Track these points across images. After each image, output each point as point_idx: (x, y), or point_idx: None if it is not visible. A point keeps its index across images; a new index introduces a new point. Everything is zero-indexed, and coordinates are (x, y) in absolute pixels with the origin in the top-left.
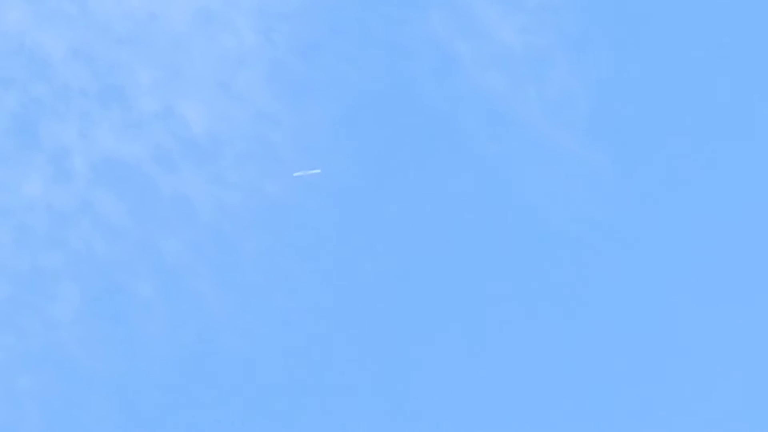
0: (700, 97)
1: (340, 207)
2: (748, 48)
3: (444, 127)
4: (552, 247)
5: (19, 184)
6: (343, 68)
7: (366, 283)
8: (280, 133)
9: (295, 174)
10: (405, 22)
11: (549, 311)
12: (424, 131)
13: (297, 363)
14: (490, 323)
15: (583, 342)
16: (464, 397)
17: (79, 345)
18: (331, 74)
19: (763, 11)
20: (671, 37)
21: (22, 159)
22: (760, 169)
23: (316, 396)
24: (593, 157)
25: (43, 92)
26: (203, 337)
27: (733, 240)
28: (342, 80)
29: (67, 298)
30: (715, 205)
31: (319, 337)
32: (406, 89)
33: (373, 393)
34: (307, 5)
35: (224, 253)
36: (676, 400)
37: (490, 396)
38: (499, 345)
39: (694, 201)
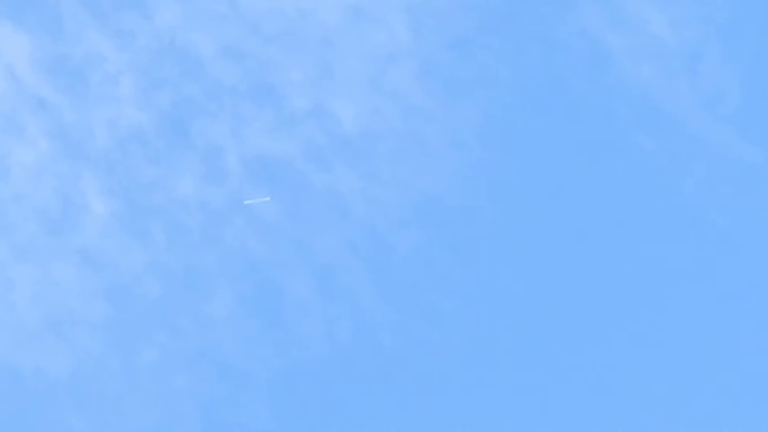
0: None
1: (494, 202)
2: None
3: (596, 121)
4: (707, 241)
5: (172, 184)
6: (494, 63)
7: (522, 280)
8: (432, 128)
9: (246, 202)
10: (556, 16)
11: (714, 307)
12: (576, 125)
13: (452, 361)
14: (658, 322)
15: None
16: (645, 395)
17: (234, 344)
18: (482, 69)
19: None
20: None
21: (174, 158)
22: None
23: (473, 394)
24: (746, 150)
25: (195, 91)
26: (358, 336)
27: None
28: (493, 75)
29: (222, 296)
30: None
31: (475, 335)
32: (558, 83)
33: (528, 391)
34: (457, 0)
35: (378, 250)
36: None
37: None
38: (679, 345)
39: None
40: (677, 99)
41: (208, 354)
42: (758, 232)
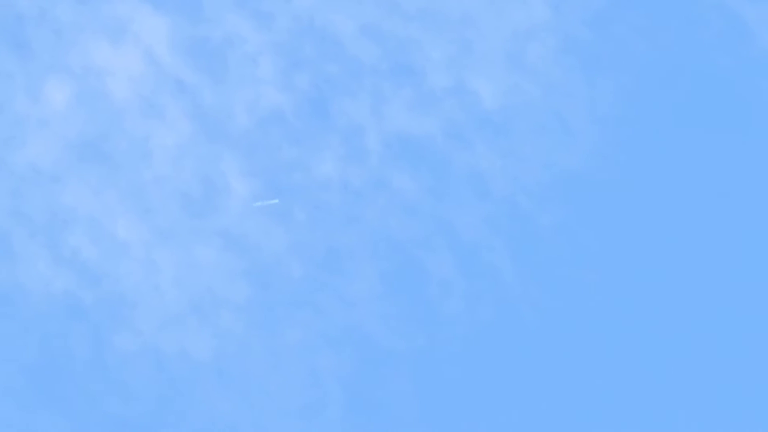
0: None
1: (633, 177)
2: None
3: (738, 94)
4: None
5: (313, 164)
6: (632, 38)
7: (666, 254)
8: (572, 105)
9: (255, 204)
10: None
11: None
12: (716, 99)
13: (595, 337)
14: None
15: None
16: None
17: (377, 323)
18: (620, 44)
19: None
20: None
21: (315, 138)
22: None
23: (617, 370)
24: None
25: (335, 71)
26: (500, 313)
27: None
28: (632, 50)
29: (365, 276)
30: None
31: (619, 310)
32: (696, 57)
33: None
34: None
35: (519, 227)
36: None
37: None
38: None
39: None
40: None
41: (350, 333)
42: None
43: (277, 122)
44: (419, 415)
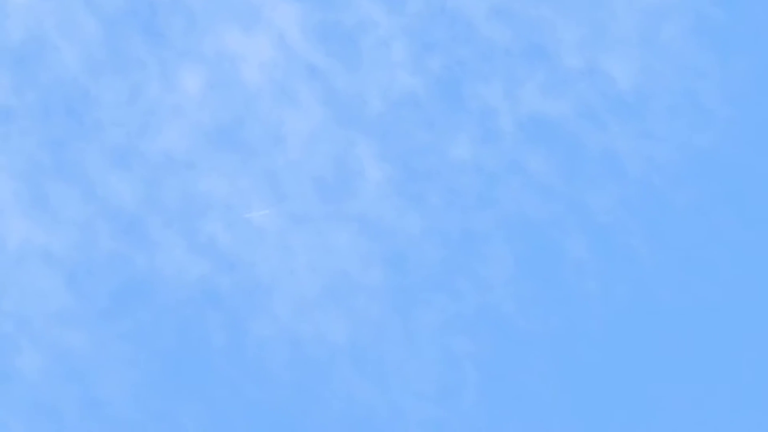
0: None
1: (764, 157)
2: None
3: None
4: None
5: (447, 147)
6: (766, 17)
7: None
8: (707, 85)
9: (246, 215)
10: None
11: None
12: None
13: (733, 319)
14: None
15: None
16: None
17: (513, 305)
18: (755, 23)
19: None
20: None
21: (448, 122)
22: None
23: (757, 351)
24: None
25: (467, 54)
26: (636, 294)
27: None
28: (765, 29)
29: (500, 258)
30: None
31: (757, 291)
32: None
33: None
34: None
35: (655, 208)
36: None
37: None
38: None
39: None
40: None
41: (486, 315)
42: None
43: (410, 106)
44: (556, 396)
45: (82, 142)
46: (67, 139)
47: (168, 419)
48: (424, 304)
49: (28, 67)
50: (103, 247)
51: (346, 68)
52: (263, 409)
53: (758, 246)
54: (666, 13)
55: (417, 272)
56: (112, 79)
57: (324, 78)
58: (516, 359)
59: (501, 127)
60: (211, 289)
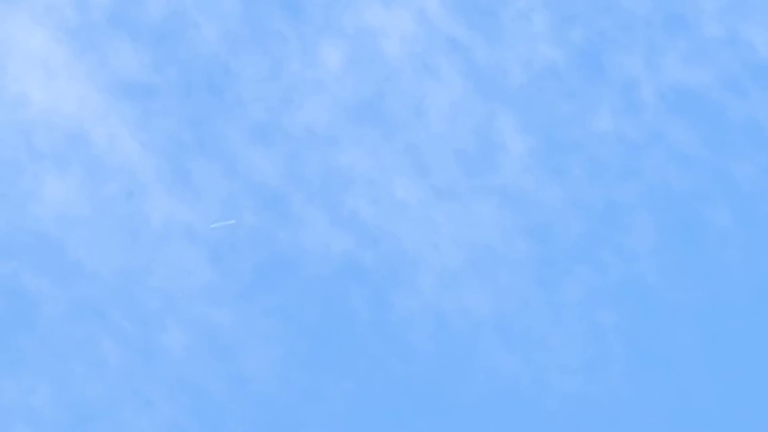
0: None
1: None
2: None
3: None
4: None
5: (588, 118)
6: None
7: None
8: None
9: (212, 226)
10: None
11: None
12: None
13: None
14: None
15: None
16: None
17: (657, 276)
18: None
19: None
20: None
21: (590, 93)
22: None
23: None
24: None
25: (608, 25)
26: None
27: None
28: None
29: (643, 229)
30: None
31: None
32: None
33: None
34: None
35: None
36: None
37: None
38: None
39: None
40: None
41: (630, 287)
42: None
43: (551, 77)
44: (703, 367)
45: (224, 118)
46: (208, 116)
47: (313, 395)
48: (568, 276)
49: (168, 44)
50: (246, 223)
51: (487, 41)
52: (407, 382)
53: None
54: None
55: (560, 244)
56: (252, 55)
57: (465, 51)
58: (661, 330)
59: (643, 97)
60: (355, 264)
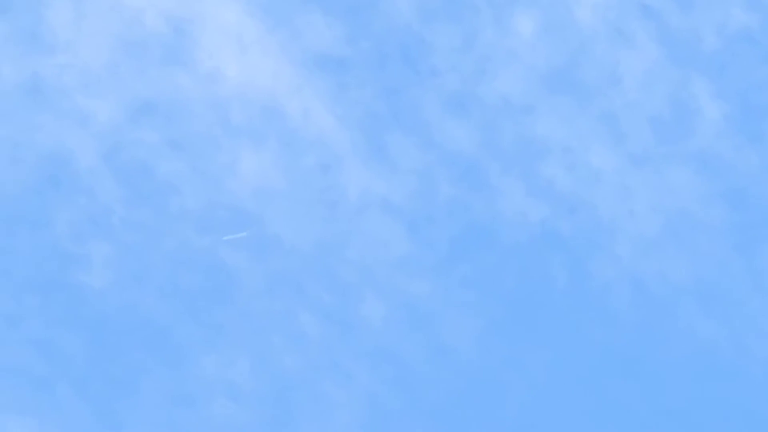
0: None
1: None
2: None
3: None
4: None
5: None
6: None
7: None
8: None
9: (225, 238)
10: None
11: None
12: None
13: None
14: None
15: None
16: None
17: None
18: None
19: None
20: None
21: None
22: None
23: None
24: None
25: None
26: None
27: None
28: None
29: None
30: None
31: None
32: None
33: None
34: None
35: None
36: None
37: None
38: None
39: None
40: None
41: None
42: None
43: (745, 42)
44: None
45: (418, 89)
46: (402, 87)
47: (512, 363)
48: (767, 242)
49: (361, 16)
50: (442, 194)
51: (680, 6)
52: (607, 349)
53: None
54: None
55: (758, 209)
56: (445, 26)
57: (658, 17)
58: None
59: None
60: (552, 232)
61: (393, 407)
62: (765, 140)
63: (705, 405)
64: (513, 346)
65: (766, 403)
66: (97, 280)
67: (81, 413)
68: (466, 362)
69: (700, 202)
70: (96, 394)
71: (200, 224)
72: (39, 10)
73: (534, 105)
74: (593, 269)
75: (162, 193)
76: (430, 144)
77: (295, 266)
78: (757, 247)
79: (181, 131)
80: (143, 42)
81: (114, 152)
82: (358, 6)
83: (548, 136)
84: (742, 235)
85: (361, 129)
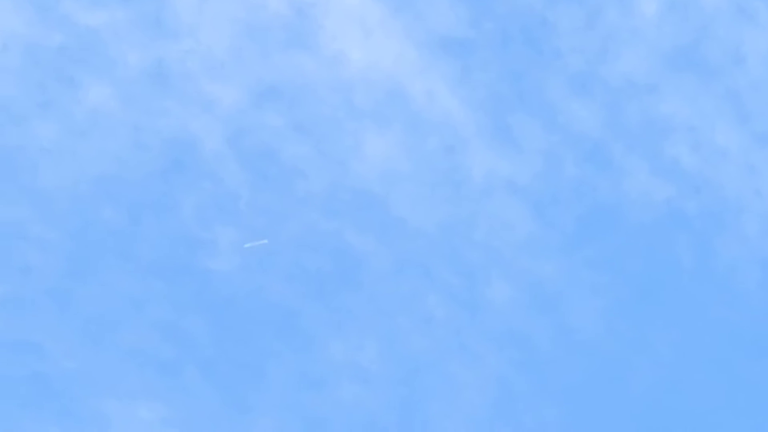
0: None
1: None
2: None
3: None
4: None
5: None
6: None
7: None
8: None
9: (246, 245)
10: None
11: None
12: None
13: None
14: None
15: None
16: None
17: None
18: None
19: None
20: None
21: None
22: None
23: None
24: None
25: None
26: None
27: None
28: None
29: None
30: None
31: None
32: None
33: None
34: None
35: None
36: None
37: None
38: None
39: None
40: None
41: None
42: None
43: None
44: None
45: (542, 70)
46: (526, 69)
47: (639, 343)
48: None
49: None
50: (567, 175)
51: None
52: (734, 329)
53: None
54: None
55: None
56: (568, 6)
57: None
58: None
59: None
60: (678, 212)
61: (520, 388)
62: None
63: None
64: (639, 326)
65: None
66: (223, 264)
67: (208, 397)
68: (592, 343)
69: None
70: (223, 378)
71: (326, 207)
72: None
73: (658, 84)
74: (719, 249)
75: (287, 176)
76: (555, 125)
77: (421, 248)
78: None
79: (305, 115)
80: (267, 26)
81: (239, 136)
82: None
83: (672, 115)
84: None
85: (486, 110)
